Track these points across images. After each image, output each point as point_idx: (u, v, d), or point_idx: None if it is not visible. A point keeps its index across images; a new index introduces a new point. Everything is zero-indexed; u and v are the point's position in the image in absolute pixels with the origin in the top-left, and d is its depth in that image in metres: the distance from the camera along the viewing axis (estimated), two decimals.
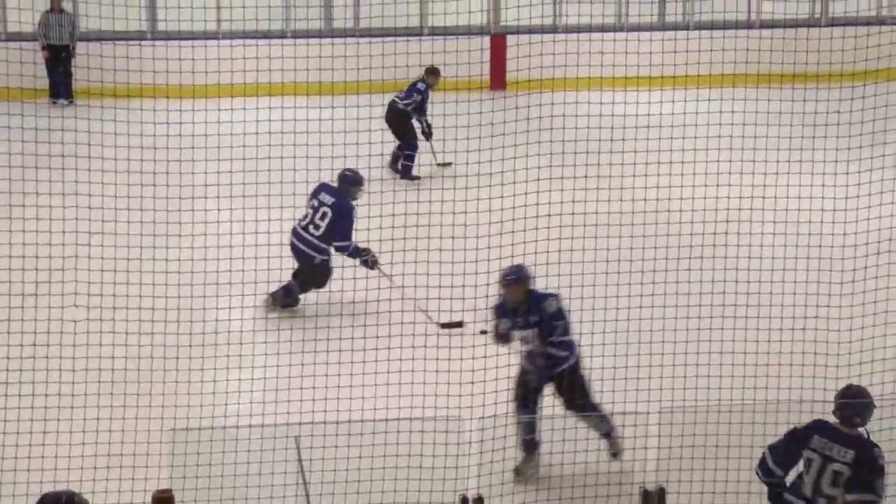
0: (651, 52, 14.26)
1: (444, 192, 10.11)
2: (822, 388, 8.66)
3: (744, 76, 15.00)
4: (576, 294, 9.72)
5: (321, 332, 9.06)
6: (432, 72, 14.58)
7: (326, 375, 8.42)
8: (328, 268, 10.81)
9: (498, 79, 17.64)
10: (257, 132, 10.14)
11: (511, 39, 17.12)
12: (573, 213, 10.24)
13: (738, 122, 10.77)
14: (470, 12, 16.20)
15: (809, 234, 10.49)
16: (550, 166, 10.09)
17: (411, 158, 14.61)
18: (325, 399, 8.19)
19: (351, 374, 8.41)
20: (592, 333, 9.29)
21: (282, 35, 16.66)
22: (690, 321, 9.50)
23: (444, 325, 10.20)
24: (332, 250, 10.73)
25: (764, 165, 11.06)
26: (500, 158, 10.75)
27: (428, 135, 14.68)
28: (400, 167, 14.58)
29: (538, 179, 10.17)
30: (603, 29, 17.22)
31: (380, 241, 10.13)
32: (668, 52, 15.02)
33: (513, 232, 9.46)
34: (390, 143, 11.10)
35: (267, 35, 16.66)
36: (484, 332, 9.71)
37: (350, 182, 10.97)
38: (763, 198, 10.41)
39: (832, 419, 6.54)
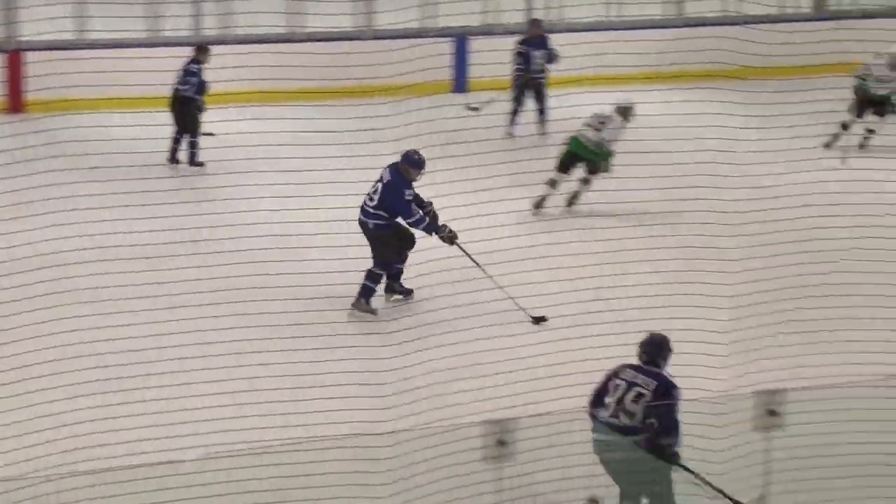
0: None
1: None
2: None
3: (288, 92, 15.19)
4: (129, 332, 9.50)
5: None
6: (203, 49, 15.43)
7: None
8: (387, 233, 11.35)
9: (15, 101, 16.96)
10: None
11: (30, 56, 16.54)
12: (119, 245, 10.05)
13: (282, 142, 10.88)
14: None
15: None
16: (73, 195, 9.78)
17: (195, 146, 15.27)
18: None
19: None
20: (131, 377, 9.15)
21: None
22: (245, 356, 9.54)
23: (535, 320, 10.78)
24: (387, 215, 11.32)
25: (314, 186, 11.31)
26: (25, 188, 10.34)
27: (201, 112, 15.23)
28: (188, 155, 15.26)
29: (65, 210, 9.85)
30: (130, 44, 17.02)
31: None
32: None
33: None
34: None
35: None
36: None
37: (407, 161, 11.40)
38: (309, 222, 10.57)
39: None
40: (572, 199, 13.95)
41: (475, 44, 18.21)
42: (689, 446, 7.93)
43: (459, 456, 7.48)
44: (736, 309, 9.85)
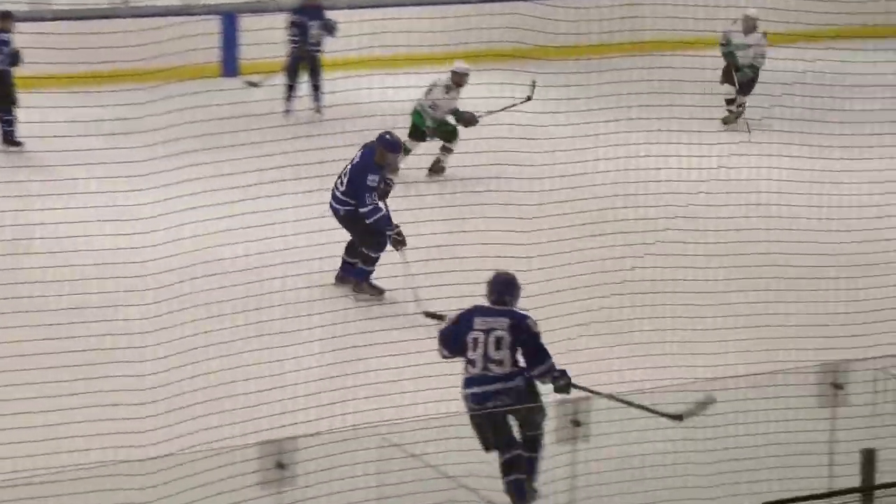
0: None
1: None
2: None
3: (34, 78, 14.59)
4: None
5: None
6: (6, 16, 14.83)
7: None
8: (355, 216, 11.22)
9: None
10: None
11: None
12: None
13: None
14: None
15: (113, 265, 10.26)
16: None
17: (12, 123, 14.73)
18: None
19: None
20: None
21: None
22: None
23: (428, 315, 10.32)
24: (355, 203, 11.23)
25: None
26: None
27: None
28: (4, 134, 14.69)
29: None
30: None
31: None
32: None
33: None
34: None
35: None
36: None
37: (381, 143, 11.33)
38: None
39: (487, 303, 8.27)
40: (434, 167, 14.40)
41: (245, 22, 17.82)
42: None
43: (233, 482, 7.13)
44: (539, 309, 9.73)
